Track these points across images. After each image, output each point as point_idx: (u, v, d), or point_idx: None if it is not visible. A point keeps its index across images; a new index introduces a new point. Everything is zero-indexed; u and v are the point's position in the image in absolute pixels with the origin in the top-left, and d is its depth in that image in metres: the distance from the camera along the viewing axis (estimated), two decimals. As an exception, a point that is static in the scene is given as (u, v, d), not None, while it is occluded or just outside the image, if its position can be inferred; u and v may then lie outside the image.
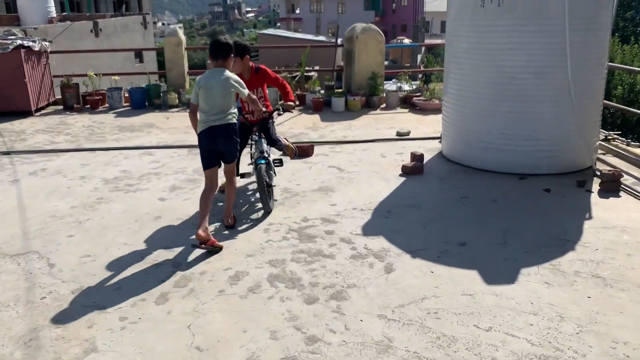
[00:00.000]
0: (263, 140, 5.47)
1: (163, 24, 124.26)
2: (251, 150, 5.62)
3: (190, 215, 5.16)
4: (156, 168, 6.68)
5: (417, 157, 6.42)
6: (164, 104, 10.32)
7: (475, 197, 5.46)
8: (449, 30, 6.41)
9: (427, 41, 37.30)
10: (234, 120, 4.62)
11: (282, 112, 5.81)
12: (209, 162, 4.66)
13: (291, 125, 8.85)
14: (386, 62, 34.63)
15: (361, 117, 9.33)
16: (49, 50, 10.37)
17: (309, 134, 8.28)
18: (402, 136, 7.96)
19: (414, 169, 6.19)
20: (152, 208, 5.36)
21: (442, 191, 5.65)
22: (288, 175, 6.27)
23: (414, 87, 12.56)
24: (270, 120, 5.62)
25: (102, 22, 24.22)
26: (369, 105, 10.10)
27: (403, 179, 6.08)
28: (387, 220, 4.94)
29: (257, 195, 5.36)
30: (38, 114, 9.95)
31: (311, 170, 6.45)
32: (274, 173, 5.45)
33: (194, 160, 6.97)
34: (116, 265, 4.20)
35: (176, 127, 8.88)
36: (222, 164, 4.76)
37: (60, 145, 7.84)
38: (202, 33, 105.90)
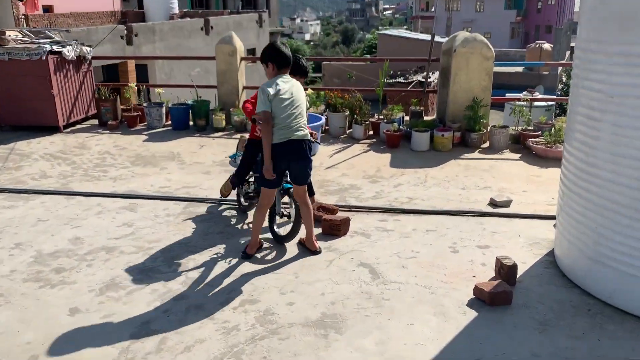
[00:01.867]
0: None
1: (302, 20, 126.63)
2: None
3: (80, 363, 3.07)
4: (119, 238, 4.71)
5: (505, 271, 3.79)
6: (210, 126, 8.46)
7: (601, 395, 2.78)
8: (579, 58, 3.66)
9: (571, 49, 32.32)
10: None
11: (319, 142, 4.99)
12: (279, 181, 4.21)
13: (346, 170, 6.49)
14: (520, 70, 30.49)
15: (447, 164, 6.69)
16: (90, 56, 8.95)
17: (363, 188, 5.86)
18: (497, 206, 5.27)
19: (496, 297, 3.57)
20: (40, 336, 3.35)
21: (537, 363, 3.02)
22: (286, 279, 3.96)
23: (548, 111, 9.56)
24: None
25: (213, 19, 23.50)
26: (465, 144, 7.40)
27: (473, 313, 3.50)
28: None
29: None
30: (68, 129, 8.57)
31: (327, 271, 4.08)
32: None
33: (178, 227, 4.91)
34: None
35: (202, 162, 6.92)
36: (292, 184, 4.32)
37: (50, 181, 6.22)
38: (337, 30, 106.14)
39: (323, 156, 7.06)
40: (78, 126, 8.85)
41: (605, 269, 3.51)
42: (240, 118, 8.24)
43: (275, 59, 4.07)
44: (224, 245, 4.53)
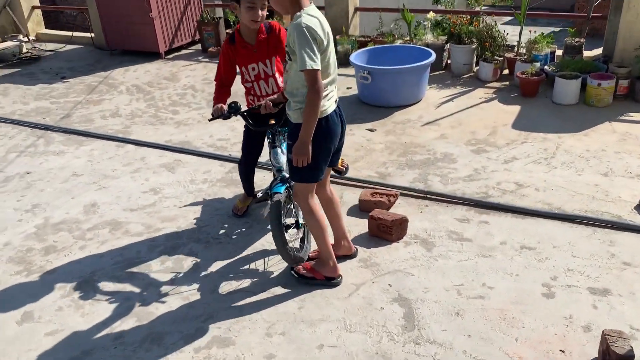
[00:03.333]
0: (280, 149, 3.22)
1: None
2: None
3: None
4: (135, 210, 3.98)
5: (607, 367, 2.30)
6: (313, 56, 7.27)
7: None
8: None
9: None
10: None
11: None
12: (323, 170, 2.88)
13: (448, 130, 4.97)
14: None
15: (596, 129, 4.79)
16: (195, -28, 8.15)
17: (458, 162, 4.38)
18: (649, 214, 3.50)
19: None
20: (-27, 348, 2.79)
21: None
22: (284, 310, 2.89)
23: None
24: None
25: None
26: (633, 97, 5.31)
27: None
28: None
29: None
30: (171, 55, 8.02)
31: (344, 303, 2.89)
32: None
33: (205, 201, 4.04)
34: None
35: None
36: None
37: (115, 122, 5.72)
38: None
39: (428, 105, 5.56)
40: (183, 51, 8.26)
41: None
42: (344, 48, 6.93)
43: None
44: (238, 243, 3.54)
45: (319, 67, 2.54)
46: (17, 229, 3.85)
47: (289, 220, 3.11)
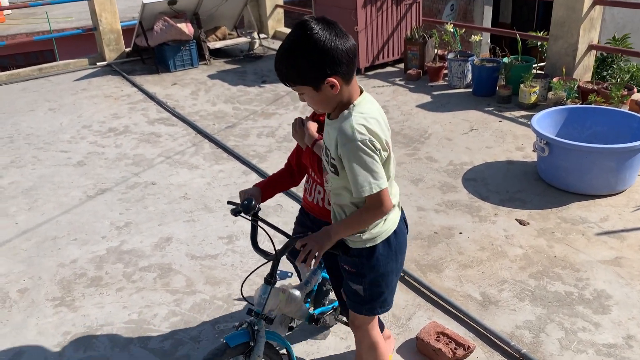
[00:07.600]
0: (272, 287, 2.25)
1: None
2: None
3: None
4: (196, 257, 3.65)
5: None
6: (518, 98, 5.92)
7: None
8: None
9: None
10: None
11: None
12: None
13: (635, 250, 3.39)
14: None
15: None
16: (418, -17, 7.40)
17: (610, 314, 2.91)
18: None
19: None
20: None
21: None
22: None
23: None
24: None
25: None
26: None
27: None
28: None
29: None
30: (372, 72, 7.49)
31: None
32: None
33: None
34: None
35: (441, 159, 4.87)
36: None
37: (264, 143, 5.51)
38: None
39: (628, 201, 3.95)
40: (387, 69, 7.66)
41: None
42: (557, 96, 5.44)
43: (339, 66, 1.83)
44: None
45: (386, 185, 1.90)
46: (94, 247, 3.88)
47: None
